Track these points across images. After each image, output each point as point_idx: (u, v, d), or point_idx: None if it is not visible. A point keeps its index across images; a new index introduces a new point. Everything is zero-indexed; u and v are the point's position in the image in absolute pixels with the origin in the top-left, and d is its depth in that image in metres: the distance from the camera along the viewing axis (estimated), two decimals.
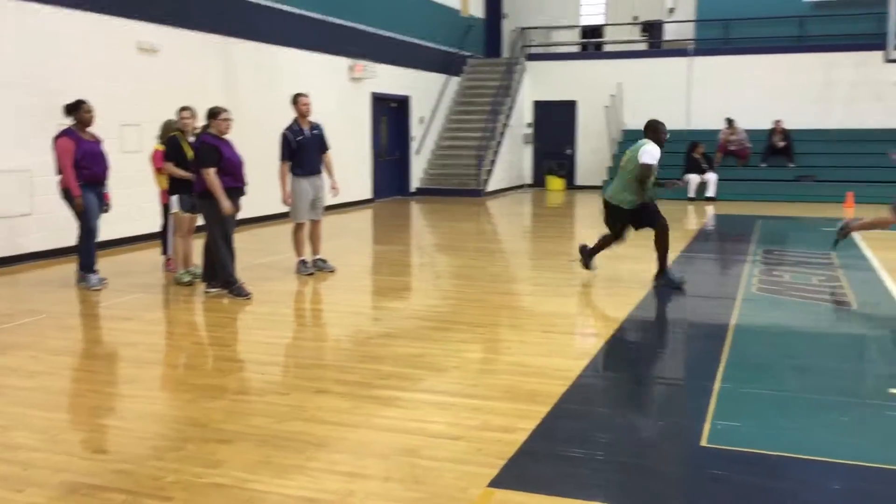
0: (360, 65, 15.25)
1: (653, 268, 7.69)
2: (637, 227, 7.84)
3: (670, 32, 20.32)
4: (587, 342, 5.87)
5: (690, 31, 19.82)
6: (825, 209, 14.48)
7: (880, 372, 5.22)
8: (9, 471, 3.60)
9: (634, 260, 8.68)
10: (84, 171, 7.42)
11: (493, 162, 18.35)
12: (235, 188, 7.26)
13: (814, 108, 17.66)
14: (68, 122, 7.57)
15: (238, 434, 4.01)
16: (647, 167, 7.33)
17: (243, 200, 7.44)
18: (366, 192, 16.06)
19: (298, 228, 8.35)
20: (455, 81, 19.59)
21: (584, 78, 19.58)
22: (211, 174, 7.04)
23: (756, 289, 7.65)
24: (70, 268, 8.08)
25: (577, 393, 4.65)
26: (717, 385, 4.73)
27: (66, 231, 8.17)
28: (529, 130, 20.36)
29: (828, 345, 5.91)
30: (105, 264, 8.17)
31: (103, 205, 7.74)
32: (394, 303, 7.53)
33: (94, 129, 7.70)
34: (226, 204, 7.03)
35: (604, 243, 8.05)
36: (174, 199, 7.73)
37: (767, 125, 17.47)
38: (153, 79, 10.57)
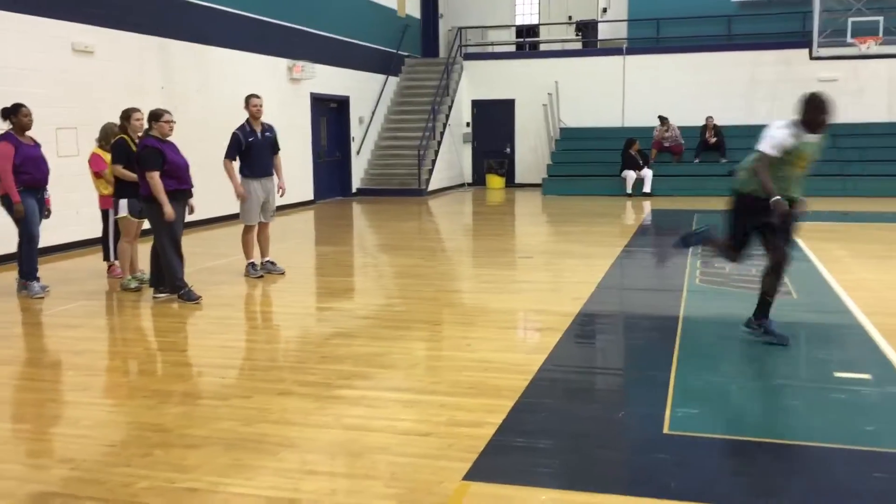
0: (299, 65, 15.14)
1: (606, 264, 7.83)
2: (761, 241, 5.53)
3: (604, 32, 20.71)
4: (543, 337, 5.97)
5: (623, 30, 20.23)
6: None
7: (824, 357, 5.45)
8: None
9: (591, 256, 8.83)
10: (24, 177, 7.22)
11: (433, 161, 18.42)
12: (181, 190, 7.16)
13: (741, 104, 18.22)
14: (5, 126, 7.35)
15: (205, 439, 3.97)
16: (761, 157, 5.25)
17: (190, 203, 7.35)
18: (307, 193, 15.94)
19: (248, 231, 8.27)
20: (394, 81, 19.60)
21: (522, 77, 19.80)
22: (155, 178, 6.92)
23: (699, 280, 7.88)
24: (9, 276, 7.85)
25: (539, 386, 4.74)
26: (672, 374, 4.88)
27: (5, 238, 7.93)
28: (469, 129, 20.49)
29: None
30: (45, 272, 7.95)
31: (44, 210, 7.54)
32: (347, 303, 7.52)
33: (31, 132, 7.49)
34: (168, 209, 6.92)
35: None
36: (122, 203, 7.56)
37: (699, 122, 17.96)
38: (89, 81, 10.32)
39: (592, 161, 18.13)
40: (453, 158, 19.84)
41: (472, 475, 3.50)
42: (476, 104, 20.41)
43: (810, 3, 16.64)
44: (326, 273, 9.28)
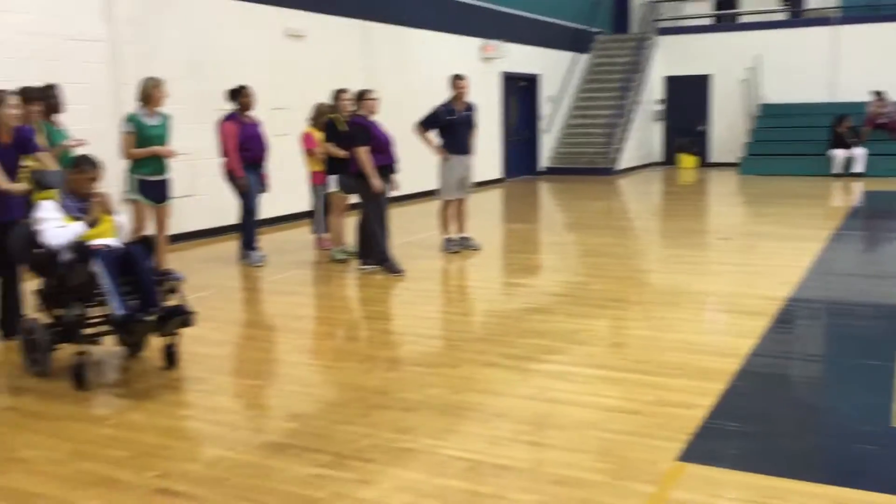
0: (491, 45, 15.27)
1: (815, 248, 7.38)
2: None
3: (812, 0, 19.34)
4: (751, 320, 5.71)
5: None
6: None
7: None
8: (218, 431, 3.88)
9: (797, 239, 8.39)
10: (246, 154, 7.79)
11: (622, 140, 18.04)
12: (387, 165, 7.49)
13: None
14: (228, 107, 7.94)
15: (419, 403, 4.16)
16: None
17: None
18: (496, 171, 16.12)
19: (446, 206, 8.49)
20: (584, 59, 19.32)
21: (719, 51, 18.91)
22: (363, 153, 7.27)
23: None
24: (230, 246, 8.51)
25: (751, 371, 4.56)
26: None
27: (225, 211, 8.60)
28: (660, 107, 19.88)
29: None
30: (262, 242, 8.56)
31: (262, 185, 8.10)
32: (539, 280, 7.56)
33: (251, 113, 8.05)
34: (376, 182, 7.25)
35: None
36: (333, 179, 8.01)
37: None
38: (299, 63, 10.94)
39: (795, 139, 17.05)
40: (643, 137, 19.34)
41: (686, 457, 3.45)
42: (669, 80, 19.74)
43: None
44: (518, 249, 9.37)
